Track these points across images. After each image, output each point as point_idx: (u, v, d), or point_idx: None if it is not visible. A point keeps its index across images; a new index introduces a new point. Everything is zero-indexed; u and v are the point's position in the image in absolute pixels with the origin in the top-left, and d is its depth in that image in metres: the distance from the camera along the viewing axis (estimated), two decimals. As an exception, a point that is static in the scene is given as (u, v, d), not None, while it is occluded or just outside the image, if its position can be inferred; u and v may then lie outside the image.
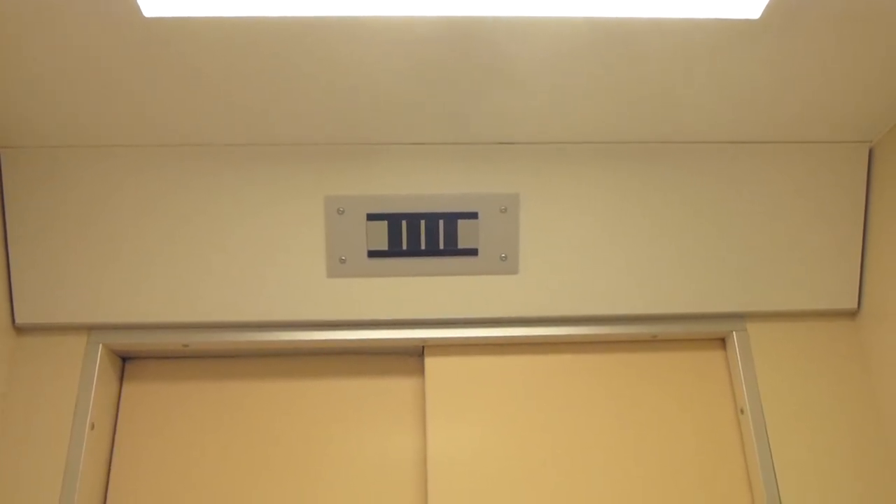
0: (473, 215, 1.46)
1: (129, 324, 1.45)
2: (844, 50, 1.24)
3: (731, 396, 1.55)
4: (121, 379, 1.55)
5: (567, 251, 1.47)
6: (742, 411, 1.50)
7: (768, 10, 1.13)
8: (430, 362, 1.54)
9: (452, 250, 1.46)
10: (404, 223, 1.45)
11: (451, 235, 1.46)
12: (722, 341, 1.60)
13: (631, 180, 1.47)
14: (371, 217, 1.44)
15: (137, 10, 1.09)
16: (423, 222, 1.45)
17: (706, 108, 1.37)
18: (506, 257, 1.46)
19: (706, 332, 1.56)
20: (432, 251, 1.46)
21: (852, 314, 1.56)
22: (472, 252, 1.46)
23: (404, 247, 1.45)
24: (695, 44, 1.21)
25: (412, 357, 1.59)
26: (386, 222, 1.45)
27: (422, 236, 1.45)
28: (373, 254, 1.45)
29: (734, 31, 1.18)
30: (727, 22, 1.16)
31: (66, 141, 1.39)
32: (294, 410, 1.53)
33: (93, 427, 1.42)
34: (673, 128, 1.42)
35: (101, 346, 1.46)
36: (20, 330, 1.46)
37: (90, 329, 1.47)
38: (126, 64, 1.20)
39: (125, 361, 1.57)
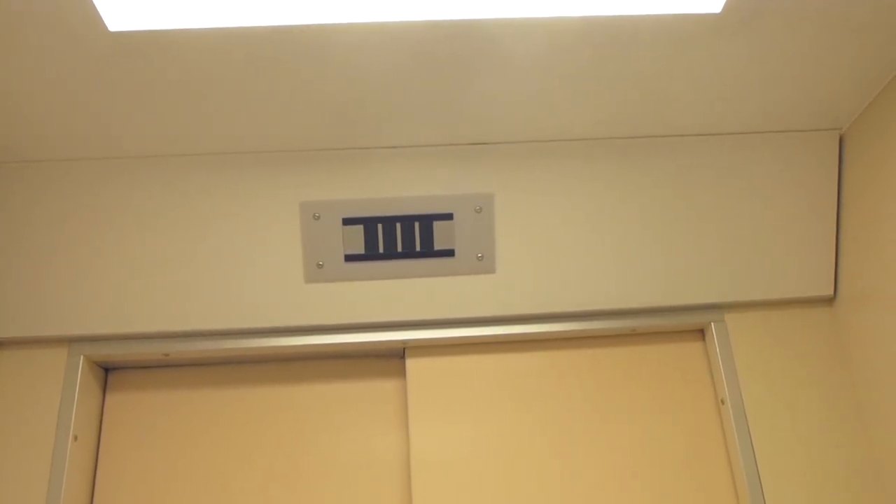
0: (449, 216, 1.46)
1: (110, 335, 1.46)
2: (809, 39, 1.25)
3: (712, 387, 1.57)
4: (103, 389, 1.55)
5: (543, 248, 1.48)
6: (722, 401, 1.52)
7: (729, 4, 1.14)
8: (412, 363, 1.54)
9: (429, 252, 1.47)
10: (380, 226, 1.45)
11: (428, 237, 1.46)
12: (701, 332, 1.61)
13: (604, 176, 1.48)
14: (347, 221, 1.45)
15: (102, 24, 1.09)
16: (398, 225, 1.46)
17: (677, 102, 1.38)
18: (482, 257, 1.47)
19: (685, 324, 1.57)
20: (409, 253, 1.46)
21: (829, 301, 1.57)
22: (449, 253, 1.47)
23: (381, 250, 1.46)
24: (661, 39, 1.22)
25: (393, 359, 1.60)
26: (362, 226, 1.45)
27: (398, 239, 1.46)
28: (350, 258, 1.46)
29: (698, 26, 1.19)
30: (691, 17, 1.17)
31: (40, 155, 1.39)
32: (277, 416, 1.54)
33: (76, 438, 1.42)
34: (644, 123, 1.43)
35: (82, 357, 1.46)
36: (0, 343, 1.46)
37: (71, 341, 1.47)
38: (94, 78, 1.21)
39: (107, 372, 1.57)
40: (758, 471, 1.43)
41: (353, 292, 1.47)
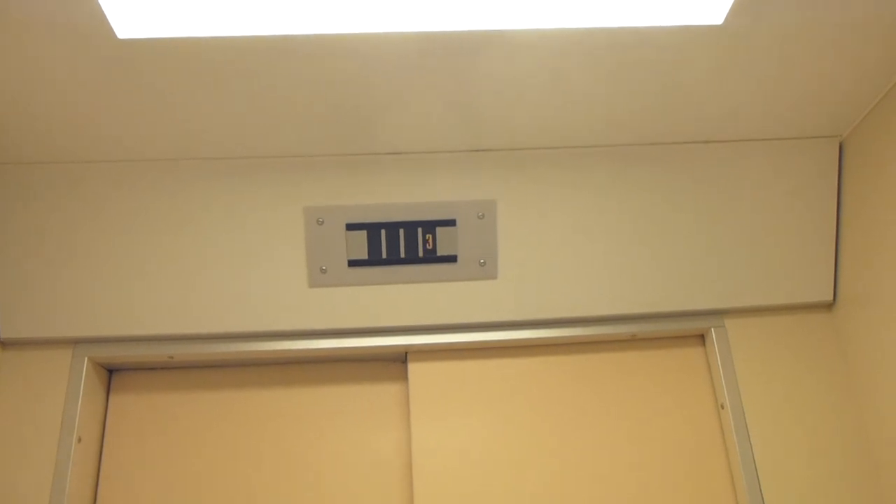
0: (451, 222, 1.47)
1: (115, 336, 1.46)
2: (809, 48, 1.26)
3: (712, 392, 1.57)
4: (107, 391, 1.56)
5: (545, 254, 1.49)
6: (722, 406, 1.53)
7: (731, 16, 1.15)
8: (414, 368, 1.55)
9: (432, 257, 1.47)
10: (383, 232, 1.46)
11: (431, 243, 1.47)
12: (701, 338, 1.62)
13: (605, 183, 1.49)
14: (350, 227, 1.46)
15: (111, 31, 1.10)
16: (402, 231, 1.47)
17: (678, 110, 1.39)
18: (485, 263, 1.48)
19: (685, 330, 1.58)
20: (412, 259, 1.47)
21: (828, 307, 1.58)
22: (452, 259, 1.48)
23: (384, 255, 1.47)
24: (664, 50, 1.23)
25: (395, 363, 1.60)
26: (365, 231, 1.46)
27: (401, 245, 1.47)
28: (353, 263, 1.46)
29: (701, 37, 1.20)
30: (693, 28, 1.18)
31: (47, 157, 1.40)
32: (279, 419, 1.55)
33: (80, 440, 1.43)
34: (646, 130, 1.44)
35: (86, 359, 1.47)
36: (5, 344, 1.47)
37: (75, 342, 1.48)
38: (102, 83, 1.21)
39: (111, 373, 1.58)
40: (757, 475, 1.44)
41: (356, 297, 1.47)
